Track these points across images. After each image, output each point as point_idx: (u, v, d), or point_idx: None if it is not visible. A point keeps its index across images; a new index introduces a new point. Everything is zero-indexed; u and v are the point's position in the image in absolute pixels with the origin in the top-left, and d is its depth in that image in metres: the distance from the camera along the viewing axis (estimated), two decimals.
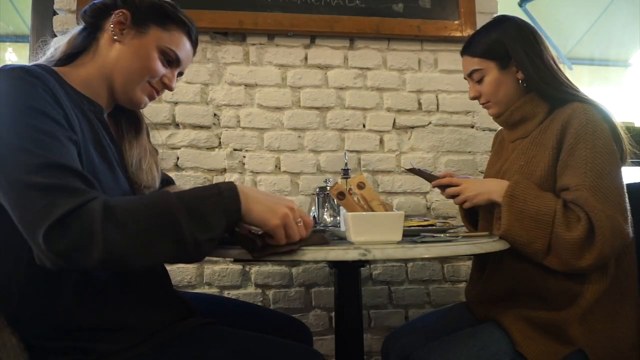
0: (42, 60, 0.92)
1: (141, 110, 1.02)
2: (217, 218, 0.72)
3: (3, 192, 0.69)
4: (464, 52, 1.21)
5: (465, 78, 1.24)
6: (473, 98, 1.23)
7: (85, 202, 0.66)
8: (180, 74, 1.02)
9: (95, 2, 0.95)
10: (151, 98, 0.97)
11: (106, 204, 0.67)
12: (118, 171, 0.90)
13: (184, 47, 0.97)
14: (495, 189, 1.07)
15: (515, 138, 1.19)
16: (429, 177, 1.25)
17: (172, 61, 0.96)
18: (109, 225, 0.65)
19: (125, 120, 1.01)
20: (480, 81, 1.19)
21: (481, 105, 1.24)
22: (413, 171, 1.27)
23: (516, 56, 1.13)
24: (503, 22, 1.17)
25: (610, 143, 1.01)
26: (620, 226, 0.94)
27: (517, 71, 1.15)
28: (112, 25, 0.91)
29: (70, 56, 0.92)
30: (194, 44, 1.01)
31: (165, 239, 0.69)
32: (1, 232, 0.75)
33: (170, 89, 0.99)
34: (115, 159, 0.90)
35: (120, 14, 0.91)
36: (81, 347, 0.78)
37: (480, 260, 1.21)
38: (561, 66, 1.16)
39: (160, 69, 0.94)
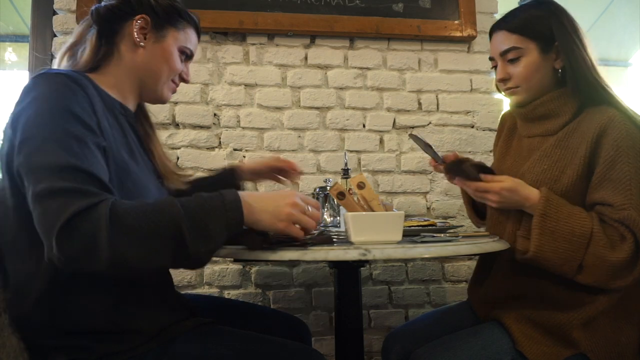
0: (65, 65, 0.94)
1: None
2: (219, 230, 0.74)
3: (27, 193, 0.71)
4: (499, 27, 1.09)
5: (491, 58, 1.12)
6: (501, 80, 1.11)
7: (94, 204, 0.68)
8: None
9: (108, 5, 0.95)
10: (174, 92, 1.05)
11: (113, 208, 0.68)
12: (149, 172, 0.95)
13: (194, 42, 1.04)
14: (526, 203, 0.99)
15: (534, 134, 1.11)
16: (434, 154, 1.13)
17: (188, 57, 1.04)
18: (114, 229, 0.67)
19: (145, 121, 1.07)
20: (514, 61, 1.07)
21: (504, 91, 1.13)
22: (416, 140, 1.15)
23: (562, 40, 1.03)
24: (548, 3, 1.07)
25: None
26: None
27: (556, 59, 1.06)
28: (135, 32, 0.94)
29: (95, 66, 0.94)
30: (199, 36, 1.07)
31: (169, 247, 0.71)
32: (27, 232, 0.75)
33: (187, 82, 1.06)
34: (144, 161, 0.96)
35: (142, 19, 0.94)
36: (82, 347, 0.78)
37: (486, 261, 1.19)
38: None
39: (180, 67, 1.01)
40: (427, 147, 1.14)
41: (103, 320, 0.80)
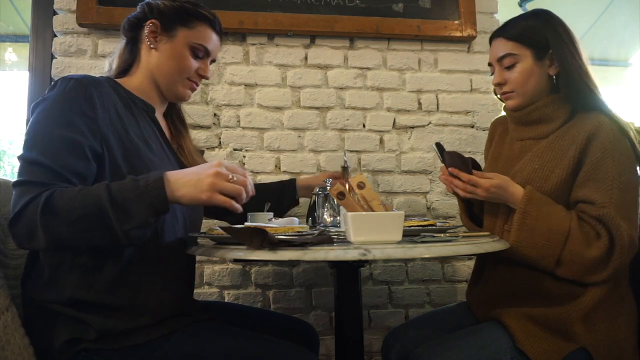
0: (103, 73, 1.07)
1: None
2: (142, 209, 0.78)
3: None
4: (497, 35, 1.16)
5: (490, 64, 1.19)
6: (497, 84, 1.17)
7: (36, 196, 0.77)
8: (213, 61, 1.13)
9: (129, 17, 1.07)
10: (193, 90, 1.10)
11: (48, 197, 0.76)
12: (168, 161, 1.02)
13: (210, 38, 1.07)
14: (512, 199, 1.06)
15: (527, 137, 1.16)
16: (456, 162, 1.10)
17: (202, 55, 1.06)
18: (47, 214, 0.76)
19: (177, 119, 1.16)
20: (510, 68, 1.12)
21: (499, 98, 1.19)
22: (439, 149, 1.17)
23: (557, 48, 1.08)
24: (546, 14, 1.14)
25: (634, 160, 1.03)
26: (634, 242, 0.98)
27: (551, 65, 1.11)
28: (146, 36, 1.03)
29: (124, 70, 1.07)
30: (219, 34, 1.10)
31: (97, 228, 0.78)
32: None
33: (207, 78, 1.11)
34: (165, 152, 1.03)
35: (151, 24, 1.03)
36: (83, 322, 0.83)
37: (481, 261, 1.21)
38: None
39: (194, 64, 1.05)
40: (451, 158, 1.11)
41: (105, 292, 0.86)
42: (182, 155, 1.10)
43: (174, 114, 1.16)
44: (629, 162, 1.01)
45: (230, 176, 0.82)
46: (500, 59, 1.14)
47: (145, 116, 1.02)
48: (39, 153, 0.81)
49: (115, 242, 0.79)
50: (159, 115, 1.09)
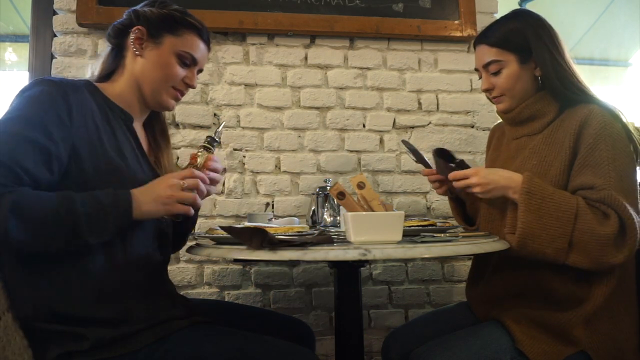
0: (87, 77, 1.05)
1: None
2: (112, 226, 0.83)
3: None
4: (480, 41, 1.16)
5: (476, 69, 1.19)
6: (485, 90, 1.18)
7: (1, 195, 0.75)
8: (200, 71, 1.10)
9: (115, 23, 1.06)
10: (177, 99, 1.07)
11: (16, 199, 0.76)
12: (143, 173, 0.99)
13: (197, 47, 1.05)
14: (510, 184, 1.01)
15: (521, 135, 1.16)
16: (423, 161, 1.22)
17: (189, 63, 1.04)
18: (13, 216, 0.75)
19: (159, 132, 1.14)
20: (496, 73, 1.13)
21: (490, 100, 1.20)
22: (408, 146, 1.24)
23: (538, 52, 1.09)
24: (524, 15, 1.14)
25: (628, 145, 1.02)
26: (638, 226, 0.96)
27: (536, 67, 1.12)
28: (132, 42, 1.01)
29: (106, 75, 1.05)
30: (207, 43, 1.08)
31: (63, 235, 0.79)
32: None
33: (193, 87, 1.08)
34: (140, 163, 1.01)
35: (137, 30, 1.01)
36: (76, 335, 0.82)
37: (481, 261, 1.20)
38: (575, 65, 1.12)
39: (180, 72, 1.03)
40: (417, 155, 1.23)
41: (97, 306, 0.84)
42: (159, 169, 1.07)
43: (157, 127, 1.13)
44: (622, 146, 1.00)
45: (182, 183, 0.88)
46: (485, 66, 1.14)
47: (122, 125, 1.00)
48: (4, 154, 0.79)
49: (70, 247, 0.82)
50: (137, 125, 1.06)
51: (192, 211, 0.90)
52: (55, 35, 1.72)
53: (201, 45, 1.06)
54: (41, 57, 1.72)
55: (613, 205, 0.95)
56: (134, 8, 1.05)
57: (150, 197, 0.86)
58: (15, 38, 2.65)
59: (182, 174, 0.90)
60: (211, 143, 1.01)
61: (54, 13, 1.72)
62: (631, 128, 1.05)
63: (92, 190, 0.84)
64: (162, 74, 1.02)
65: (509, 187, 1.01)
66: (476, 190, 1.04)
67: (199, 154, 0.98)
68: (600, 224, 0.94)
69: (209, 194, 0.97)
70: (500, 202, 1.10)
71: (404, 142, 1.26)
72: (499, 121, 1.34)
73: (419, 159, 1.24)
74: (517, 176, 1.01)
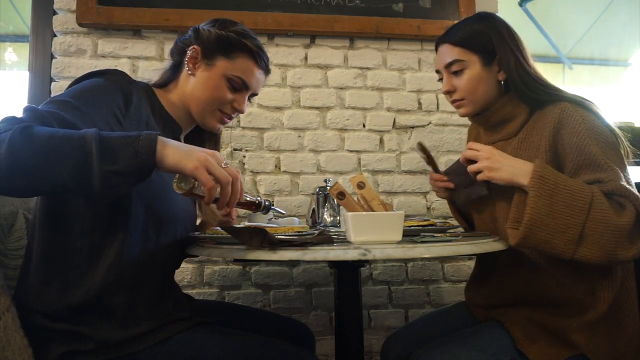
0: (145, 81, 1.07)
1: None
2: (126, 155, 0.71)
3: None
4: (443, 40, 1.13)
5: (437, 71, 1.16)
6: (447, 92, 1.13)
7: (20, 121, 0.71)
8: (254, 94, 1.09)
9: (177, 41, 1.08)
10: (223, 122, 1.07)
11: (30, 125, 0.69)
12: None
13: (250, 72, 1.04)
14: (520, 170, 0.95)
15: (496, 140, 1.14)
16: (434, 165, 1.22)
17: (239, 87, 1.04)
18: (20, 135, 0.67)
19: (208, 139, 1.15)
20: (458, 74, 1.10)
21: (451, 103, 1.16)
22: (422, 149, 1.22)
23: (502, 54, 1.06)
24: (489, 17, 1.12)
25: (611, 136, 0.99)
26: None
27: (499, 71, 1.09)
28: (186, 61, 1.02)
29: (163, 83, 1.07)
30: (263, 68, 1.07)
31: (72, 160, 0.68)
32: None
33: (241, 112, 1.08)
34: None
35: (193, 50, 1.02)
36: (80, 335, 0.81)
37: (485, 266, 1.19)
38: (546, 66, 1.10)
39: (228, 96, 1.03)
40: (431, 159, 1.22)
41: (103, 297, 0.83)
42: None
43: (208, 142, 1.15)
44: (606, 136, 0.97)
45: (224, 163, 0.78)
46: (447, 66, 1.11)
47: (169, 133, 1.01)
48: (45, 107, 0.78)
49: (82, 185, 0.69)
50: (182, 136, 1.09)
51: (213, 197, 0.77)
52: (55, 35, 1.72)
53: (255, 70, 1.04)
54: (41, 57, 1.72)
55: (627, 195, 0.90)
56: (197, 26, 1.06)
57: (180, 149, 0.75)
58: (15, 38, 2.65)
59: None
60: (258, 206, 1.00)
61: (54, 13, 1.72)
62: (612, 122, 1.02)
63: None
64: (209, 96, 1.01)
65: (518, 173, 0.95)
66: (481, 176, 1.00)
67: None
68: (617, 213, 0.88)
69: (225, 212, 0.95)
70: (503, 205, 1.07)
71: (419, 144, 1.22)
72: (468, 134, 1.33)
73: (431, 162, 1.23)
74: (527, 164, 0.96)
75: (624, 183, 0.92)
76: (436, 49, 1.17)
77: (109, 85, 0.90)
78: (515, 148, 1.06)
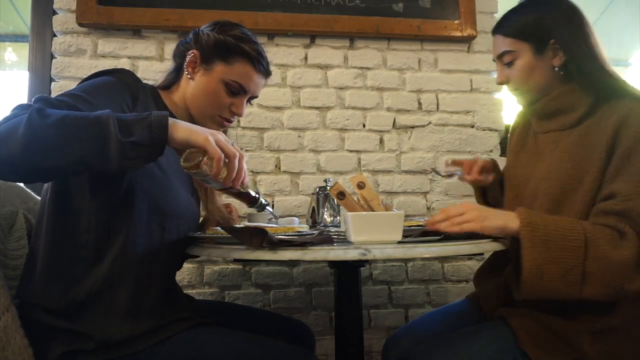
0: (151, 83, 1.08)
1: None
2: (141, 127, 0.73)
3: None
4: (495, 31, 1.10)
5: (494, 60, 1.13)
6: (500, 83, 1.11)
7: (29, 107, 0.71)
8: (253, 97, 1.10)
9: (179, 44, 1.09)
10: (222, 126, 1.07)
11: (45, 108, 0.71)
12: (178, 182, 0.98)
13: (248, 77, 1.03)
14: (507, 216, 0.90)
15: (549, 130, 1.08)
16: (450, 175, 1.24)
17: (236, 92, 1.03)
18: (38, 115, 0.69)
19: None
20: (510, 65, 1.07)
21: (510, 93, 1.13)
22: (437, 173, 1.27)
23: (560, 35, 1.00)
24: (547, 1, 1.06)
25: None
26: None
27: (554, 57, 1.03)
28: (185, 66, 1.03)
29: (166, 86, 1.08)
30: (262, 71, 1.07)
31: (90, 134, 0.70)
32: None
33: (240, 116, 1.07)
34: (175, 172, 0.98)
35: (192, 54, 1.02)
36: (80, 334, 0.81)
37: (498, 260, 1.17)
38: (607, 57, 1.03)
39: (226, 101, 1.03)
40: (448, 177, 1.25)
41: (106, 291, 0.83)
42: (195, 183, 1.08)
43: None
44: None
45: (231, 143, 0.80)
46: (499, 57, 1.09)
47: None
48: (57, 97, 0.80)
49: (101, 156, 0.70)
50: None
51: (219, 171, 0.78)
52: (55, 35, 1.72)
53: (253, 75, 1.04)
54: (41, 57, 1.72)
55: (633, 220, 0.85)
56: (198, 29, 1.06)
57: (190, 125, 0.78)
58: (15, 38, 2.65)
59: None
60: (255, 201, 0.98)
61: (54, 13, 1.72)
62: None
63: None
64: (208, 101, 1.02)
65: (504, 220, 0.89)
66: (476, 223, 0.90)
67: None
68: (614, 247, 0.84)
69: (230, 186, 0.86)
70: (529, 194, 1.03)
71: (433, 169, 1.28)
72: (515, 120, 1.26)
73: (450, 176, 1.25)
74: (509, 213, 0.90)
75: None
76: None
77: (118, 83, 0.92)
78: (573, 145, 0.99)
